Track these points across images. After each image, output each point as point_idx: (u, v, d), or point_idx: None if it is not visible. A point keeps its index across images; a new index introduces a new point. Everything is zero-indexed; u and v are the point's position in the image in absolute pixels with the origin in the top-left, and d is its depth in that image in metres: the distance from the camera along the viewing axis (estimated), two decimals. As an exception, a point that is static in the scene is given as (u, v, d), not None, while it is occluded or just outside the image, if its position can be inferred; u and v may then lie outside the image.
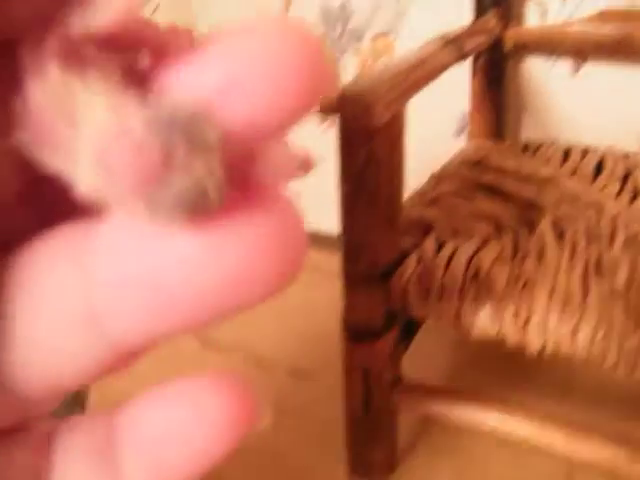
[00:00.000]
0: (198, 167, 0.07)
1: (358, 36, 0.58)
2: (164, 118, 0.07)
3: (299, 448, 0.41)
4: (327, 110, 0.26)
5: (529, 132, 0.52)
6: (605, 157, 0.41)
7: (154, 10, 0.70)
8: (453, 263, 0.29)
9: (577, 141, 0.47)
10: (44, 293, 0.08)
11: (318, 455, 0.40)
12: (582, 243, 0.31)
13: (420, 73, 0.30)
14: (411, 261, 0.30)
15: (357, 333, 0.31)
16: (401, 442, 0.38)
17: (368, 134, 0.25)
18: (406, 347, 0.34)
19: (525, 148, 0.44)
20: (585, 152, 0.42)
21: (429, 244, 0.30)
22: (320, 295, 0.54)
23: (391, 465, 0.38)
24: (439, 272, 0.29)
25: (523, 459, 0.38)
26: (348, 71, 0.60)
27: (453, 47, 0.37)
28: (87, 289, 0.08)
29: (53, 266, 0.08)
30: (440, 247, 0.30)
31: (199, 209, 0.07)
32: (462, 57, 0.37)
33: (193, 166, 0.07)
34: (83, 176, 0.07)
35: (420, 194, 0.34)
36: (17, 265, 0.08)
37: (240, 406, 0.09)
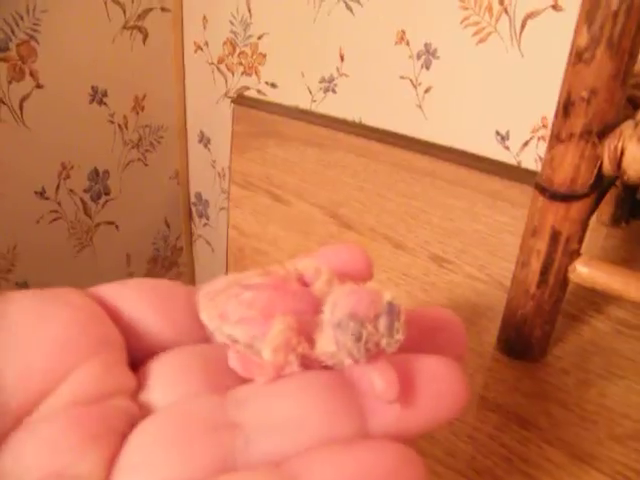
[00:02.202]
0: (395, 329, 0.14)
1: None
2: (389, 304, 0.14)
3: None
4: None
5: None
6: None
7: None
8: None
9: None
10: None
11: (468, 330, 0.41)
12: None
13: None
14: (630, 122, 0.29)
15: (555, 192, 0.31)
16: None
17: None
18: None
19: None
20: None
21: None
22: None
23: (544, 348, 0.38)
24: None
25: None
26: None
27: None
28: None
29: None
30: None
31: (387, 351, 0.14)
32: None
33: (392, 328, 0.13)
34: (324, 345, 0.14)
35: None
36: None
37: None
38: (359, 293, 0.14)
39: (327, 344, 0.14)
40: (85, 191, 0.92)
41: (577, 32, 0.28)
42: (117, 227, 0.99)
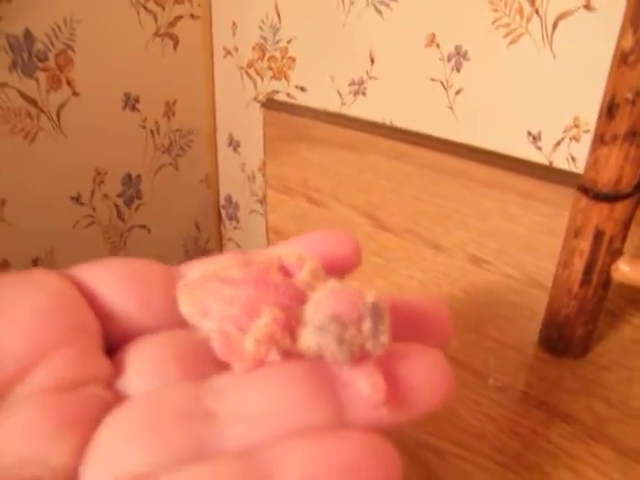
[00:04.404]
0: (380, 332, 0.13)
1: None
2: (373, 305, 0.13)
3: (486, 326, 0.42)
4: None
5: None
6: None
7: None
8: None
9: None
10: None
11: (506, 334, 0.41)
12: None
13: None
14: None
15: (599, 193, 0.32)
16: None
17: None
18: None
19: None
20: None
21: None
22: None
23: (587, 346, 0.38)
24: None
25: None
26: None
27: None
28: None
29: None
30: None
31: (370, 354, 0.13)
32: None
33: (377, 331, 0.13)
34: (306, 340, 0.14)
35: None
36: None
37: None
38: (342, 293, 0.14)
39: (309, 341, 0.14)
40: (118, 196, 0.93)
41: (622, 35, 0.28)
42: (149, 230, 1.01)
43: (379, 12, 0.75)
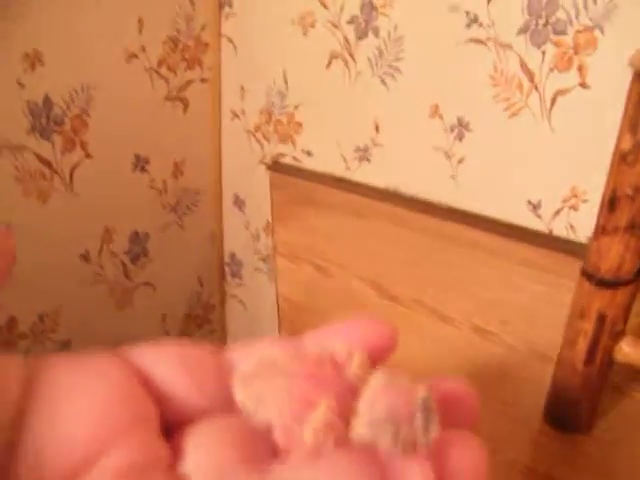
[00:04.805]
0: (430, 426, 0.14)
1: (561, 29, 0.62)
2: (423, 401, 0.14)
3: (492, 401, 0.43)
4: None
5: None
6: None
7: None
8: None
9: None
10: None
11: (511, 407, 0.42)
12: None
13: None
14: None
15: (601, 279, 0.33)
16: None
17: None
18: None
19: None
20: None
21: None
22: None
23: (591, 421, 0.39)
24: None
25: None
26: (547, 61, 0.63)
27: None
28: None
29: None
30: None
31: (421, 447, 0.14)
32: None
33: (427, 426, 0.14)
34: (360, 432, 0.15)
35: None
36: None
37: None
38: (394, 389, 0.15)
39: (363, 433, 0.15)
40: (125, 253, 0.95)
41: (620, 137, 0.30)
42: (154, 287, 1.02)
43: (384, 83, 0.78)
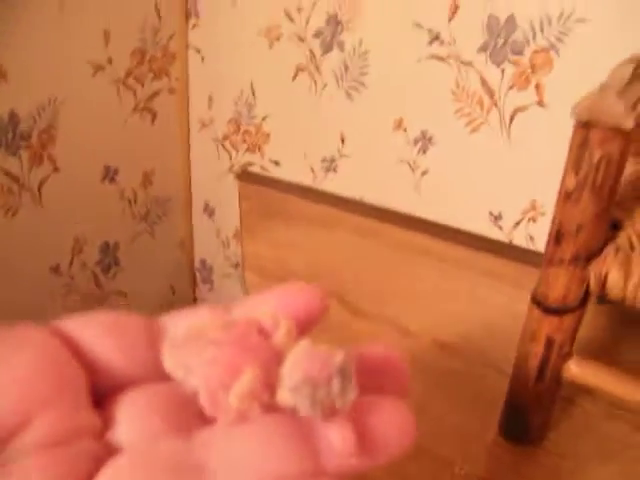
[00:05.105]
0: (347, 390, 0.15)
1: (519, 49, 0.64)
2: (339, 365, 0.15)
3: (450, 413, 0.45)
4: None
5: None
6: None
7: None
8: (649, 254, 0.33)
9: None
10: None
11: (468, 419, 0.45)
12: None
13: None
14: (611, 248, 0.34)
15: (549, 307, 0.36)
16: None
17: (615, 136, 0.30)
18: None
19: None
20: None
21: (629, 232, 0.34)
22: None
23: (543, 433, 0.42)
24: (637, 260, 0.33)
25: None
26: (506, 79, 0.66)
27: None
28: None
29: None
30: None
31: (340, 410, 0.15)
32: None
33: (344, 389, 0.15)
34: (283, 397, 0.15)
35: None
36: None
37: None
38: (313, 355, 0.16)
39: (286, 398, 0.15)
40: (97, 263, 0.95)
41: (565, 177, 0.33)
42: (126, 295, 1.03)
43: (349, 96, 0.80)
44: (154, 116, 0.96)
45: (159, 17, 0.92)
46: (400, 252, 0.69)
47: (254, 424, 0.15)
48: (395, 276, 0.63)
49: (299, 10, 0.80)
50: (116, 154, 0.92)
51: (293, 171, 0.90)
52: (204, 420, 0.16)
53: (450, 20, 0.69)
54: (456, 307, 0.58)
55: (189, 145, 1.03)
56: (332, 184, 0.86)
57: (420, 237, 0.73)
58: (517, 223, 0.72)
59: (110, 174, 0.92)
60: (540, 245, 0.70)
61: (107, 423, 0.16)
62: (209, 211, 1.06)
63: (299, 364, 0.16)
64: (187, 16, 0.94)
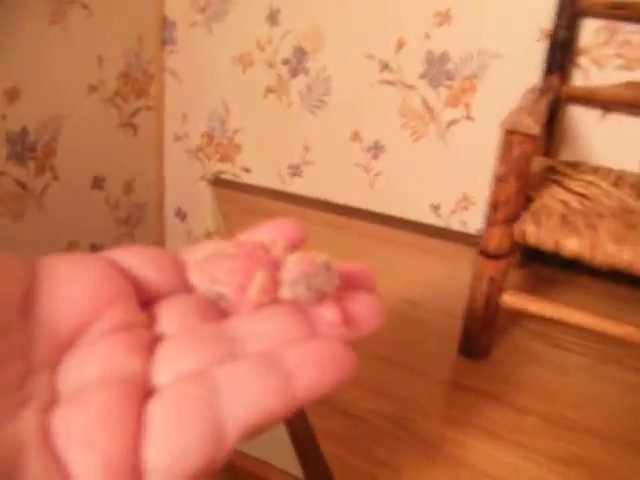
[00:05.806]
0: (331, 278, 0.20)
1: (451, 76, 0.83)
2: (324, 262, 0.20)
3: (421, 344, 0.62)
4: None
5: (565, 157, 0.76)
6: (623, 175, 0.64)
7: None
8: (553, 213, 0.51)
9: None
10: None
11: (434, 346, 0.62)
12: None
13: (542, 108, 0.52)
14: (528, 213, 0.52)
15: (490, 254, 0.53)
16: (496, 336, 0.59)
17: (528, 139, 0.47)
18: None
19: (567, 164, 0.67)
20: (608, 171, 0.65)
21: (537, 203, 0.52)
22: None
23: (489, 349, 0.59)
24: (547, 217, 0.51)
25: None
26: (441, 99, 0.84)
27: (545, 96, 0.60)
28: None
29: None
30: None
31: (327, 294, 0.19)
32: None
33: (329, 278, 0.20)
34: (285, 291, 0.20)
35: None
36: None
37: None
38: (305, 259, 0.20)
39: (287, 292, 0.19)
40: (85, 262, 1.07)
41: (497, 166, 0.50)
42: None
43: (313, 113, 0.96)
44: (135, 130, 1.09)
45: (140, 43, 1.05)
46: (362, 240, 0.86)
47: (267, 309, 0.19)
48: (360, 257, 0.80)
49: (269, 41, 0.96)
50: (104, 164, 1.05)
51: (263, 177, 1.05)
52: (224, 316, 0.20)
53: (397, 53, 0.86)
54: (412, 276, 0.75)
55: (163, 156, 1.16)
56: (298, 187, 1.02)
57: (377, 227, 0.90)
58: (453, 212, 0.90)
59: (98, 182, 1.05)
60: (471, 228, 0.89)
61: (153, 320, 0.20)
62: (181, 215, 1.19)
63: (296, 265, 0.20)
64: (163, 43, 1.08)
